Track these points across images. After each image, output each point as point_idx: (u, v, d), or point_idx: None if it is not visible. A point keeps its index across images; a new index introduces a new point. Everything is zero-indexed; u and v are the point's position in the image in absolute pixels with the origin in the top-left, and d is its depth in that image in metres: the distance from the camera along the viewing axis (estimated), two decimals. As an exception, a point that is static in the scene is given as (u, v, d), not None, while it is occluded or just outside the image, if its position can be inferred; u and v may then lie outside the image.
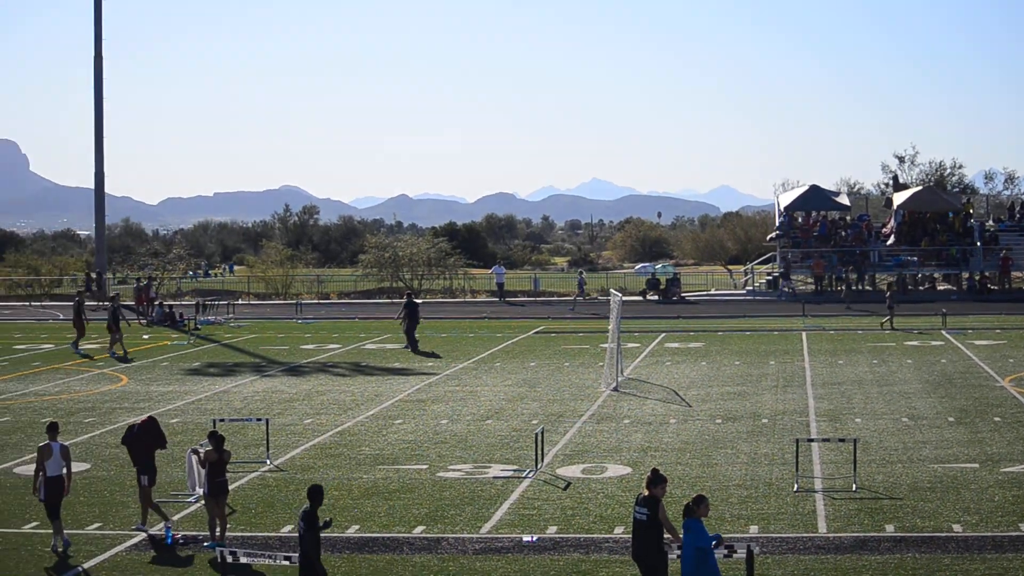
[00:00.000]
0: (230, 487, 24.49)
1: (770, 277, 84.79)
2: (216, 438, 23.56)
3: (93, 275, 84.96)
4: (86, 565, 22.16)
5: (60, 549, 22.99)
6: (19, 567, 22.08)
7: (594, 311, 73.77)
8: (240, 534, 24.01)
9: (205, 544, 23.16)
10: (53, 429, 23.97)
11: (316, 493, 19.37)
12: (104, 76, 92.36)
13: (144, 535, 24.01)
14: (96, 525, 24.73)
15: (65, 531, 23.80)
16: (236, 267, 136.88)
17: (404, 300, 57.65)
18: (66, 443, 25.16)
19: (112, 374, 48.06)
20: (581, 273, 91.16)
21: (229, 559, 19.46)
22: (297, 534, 19.31)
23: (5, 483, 28.64)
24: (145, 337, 62.60)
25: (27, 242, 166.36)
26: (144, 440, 24.85)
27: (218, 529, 23.29)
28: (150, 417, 25.60)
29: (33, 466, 24.70)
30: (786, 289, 79.91)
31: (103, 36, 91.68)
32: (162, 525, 24.15)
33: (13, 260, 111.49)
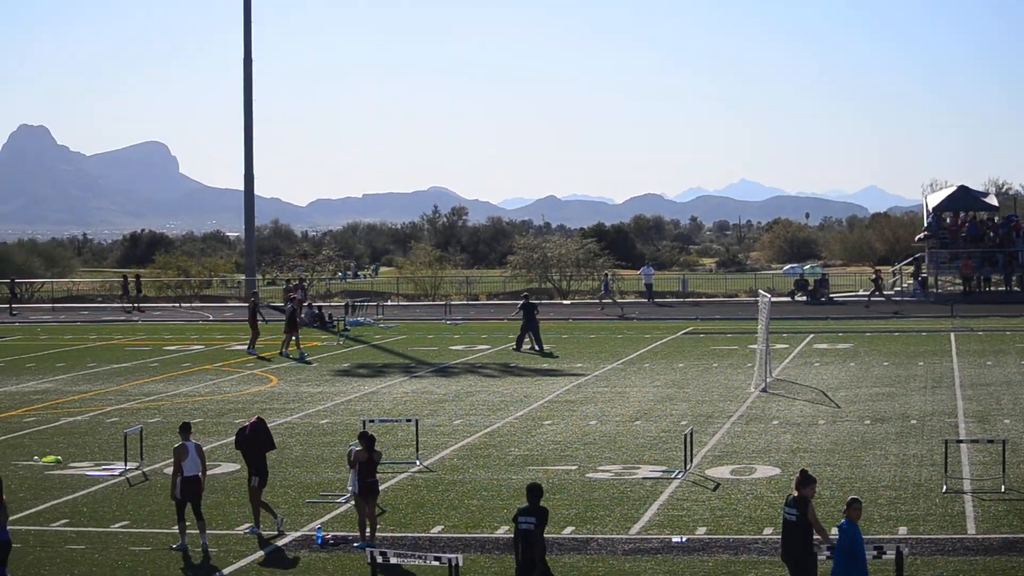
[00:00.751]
0: (380, 488, 24.62)
1: (920, 277, 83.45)
2: (367, 439, 23.68)
3: (294, 281, 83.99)
4: (236, 566, 22.38)
5: (178, 547, 23.35)
6: (169, 567, 22.36)
7: (619, 313, 74.16)
8: (390, 535, 24.11)
9: (355, 544, 23.28)
10: (186, 429, 24.26)
11: (538, 490, 19.27)
12: (253, 78, 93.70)
13: (279, 536, 24.20)
14: (246, 526, 24.96)
15: (215, 531, 24.12)
16: (383, 268, 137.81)
17: (521, 302, 57.54)
18: (202, 445, 25.41)
19: (262, 375, 48.62)
20: (607, 275, 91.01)
21: (379, 559, 19.53)
22: (516, 533, 19.06)
23: (156, 484, 29.03)
24: (295, 339, 63.23)
25: (176, 243, 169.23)
26: (255, 442, 25.10)
27: (367, 529, 23.43)
28: (259, 418, 25.84)
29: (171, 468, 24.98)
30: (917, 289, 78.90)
31: (252, 38, 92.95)
32: (275, 523, 24.46)
33: (163, 261, 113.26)
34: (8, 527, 20.29)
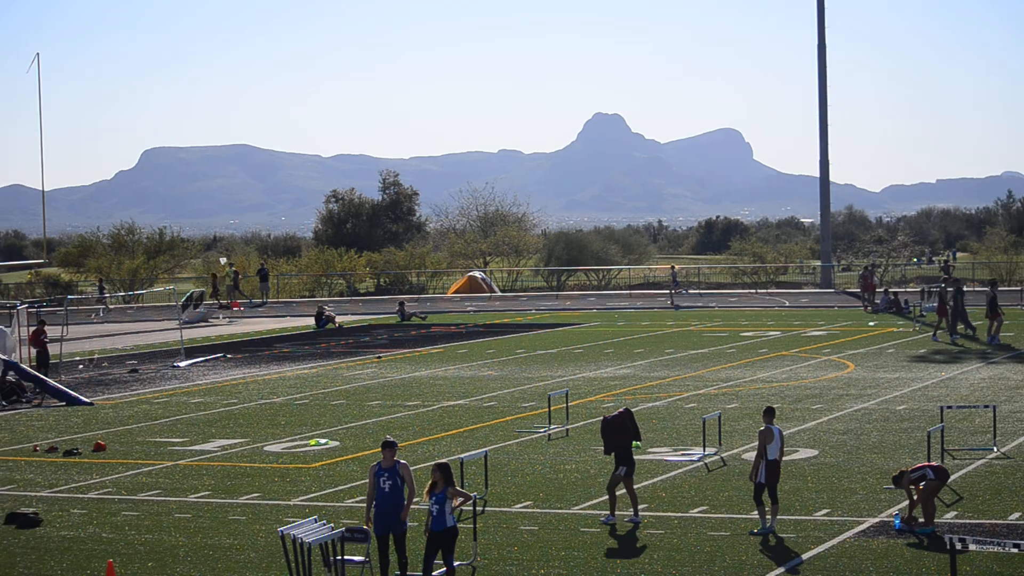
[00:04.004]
0: (952, 474, 24.33)
1: None
2: None
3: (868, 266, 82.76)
4: (815, 551, 22.51)
5: (759, 531, 23.67)
6: (747, 551, 22.69)
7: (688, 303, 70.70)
8: (966, 521, 23.88)
9: (918, 531, 23.12)
10: (770, 414, 24.52)
11: None
12: (827, 63, 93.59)
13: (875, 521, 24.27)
14: (824, 512, 25.10)
15: (793, 517, 24.46)
16: (959, 254, 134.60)
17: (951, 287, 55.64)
18: (784, 431, 25.73)
19: (839, 361, 48.66)
20: (673, 267, 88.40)
21: (958, 545, 19.44)
22: None
23: (734, 469, 29.45)
24: (871, 324, 62.90)
25: (751, 230, 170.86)
26: (616, 432, 25.17)
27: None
28: (625, 410, 25.80)
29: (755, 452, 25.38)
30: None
31: (825, 24, 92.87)
32: (631, 518, 24.50)
33: (738, 248, 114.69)
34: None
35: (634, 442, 25.51)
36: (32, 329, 49.44)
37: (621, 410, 25.83)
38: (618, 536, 23.86)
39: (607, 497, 25.22)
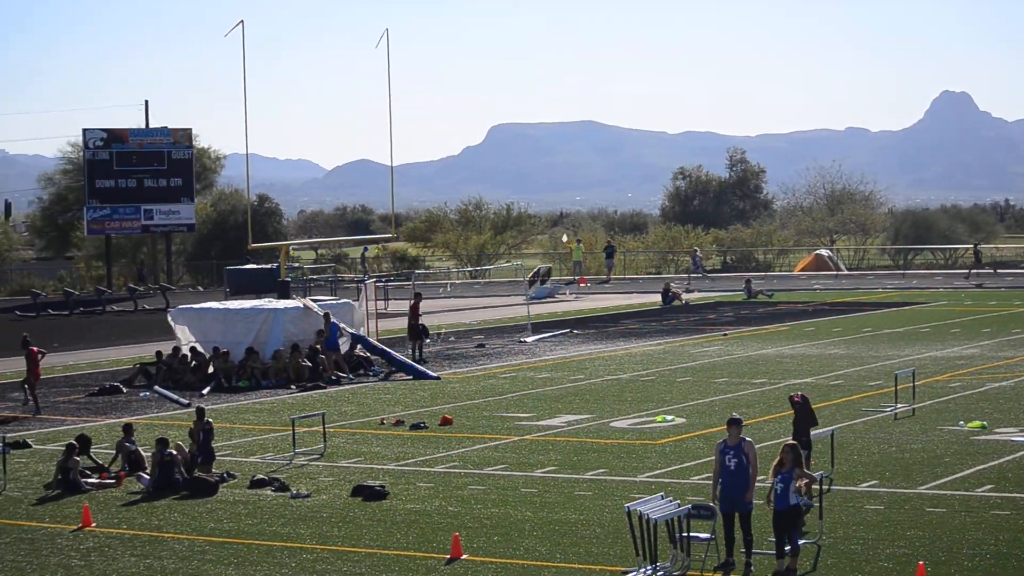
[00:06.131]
0: None
1: None
2: None
3: None
4: None
5: None
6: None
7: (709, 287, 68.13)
8: None
9: None
10: None
11: None
12: None
13: None
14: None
15: None
16: None
17: None
18: None
19: None
20: (695, 250, 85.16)
21: None
22: None
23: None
24: None
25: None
26: (802, 416, 25.12)
27: None
28: (801, 395, 25.65)
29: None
30: None
31: None
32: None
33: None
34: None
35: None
36: (411, 303, 50.52)
37: (800, 395, 25.98)
38: (963, 512, 23.36)
39: (955, 476, 24.74)
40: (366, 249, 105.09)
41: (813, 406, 26.49)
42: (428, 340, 50.56)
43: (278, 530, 24.05)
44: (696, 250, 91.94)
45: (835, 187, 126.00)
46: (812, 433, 25.88)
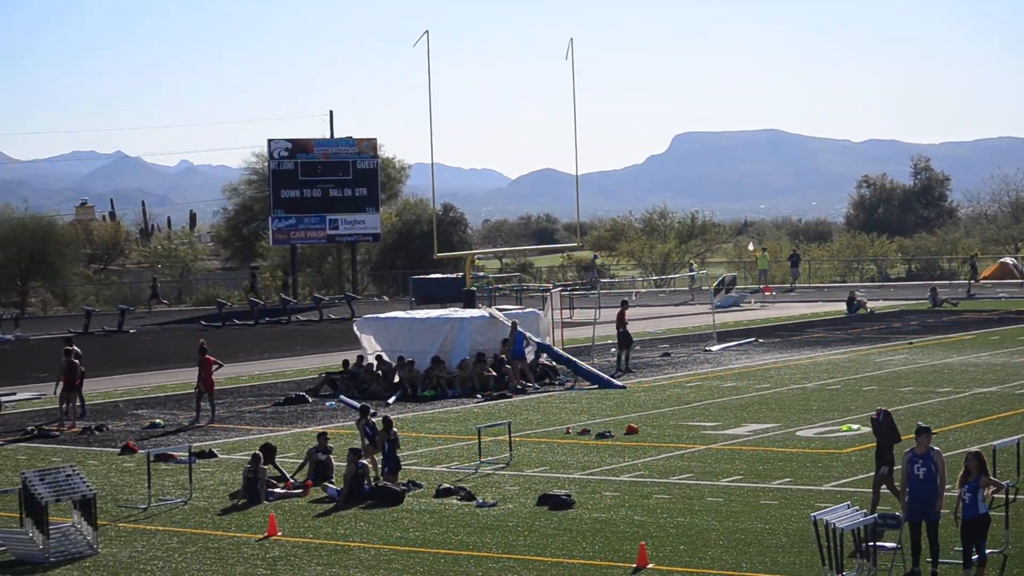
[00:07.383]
0: None
1: None
2: None
3: None
4: None
5: None
6: None
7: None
8: None
9: None
10: None
11: None
12: None
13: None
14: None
15: None
16: None
17: None
18: None
19: None
20: (692, 265, 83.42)
21: None
22: None
23: None
24: None
25: None
26: (883, 431, 24.04)
27: None
28: (882, 410, 24.45)
29: None
30: None
31: None
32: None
33: None
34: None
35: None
36: (617, 311, 50.47)
37: (882, 411, 24.93)
38: None
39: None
40: (596, 256, 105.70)
41: (1000, 414, 26.01)
42: (636, 347, 50.71)
43: (464, 539, 24.32)
44: (692, 263, 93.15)
45: (1020, 194, 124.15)
46: (998, 442, 25.36)
